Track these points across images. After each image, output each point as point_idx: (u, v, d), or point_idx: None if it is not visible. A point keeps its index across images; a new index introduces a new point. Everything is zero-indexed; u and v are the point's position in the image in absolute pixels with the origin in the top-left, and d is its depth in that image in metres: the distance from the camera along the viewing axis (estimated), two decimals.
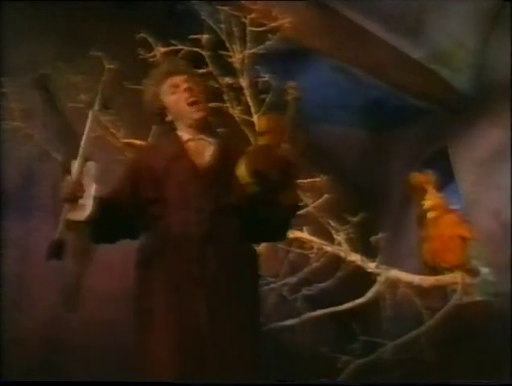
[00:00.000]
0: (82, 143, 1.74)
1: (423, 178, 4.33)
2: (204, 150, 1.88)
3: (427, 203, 4.25)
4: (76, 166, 1.71)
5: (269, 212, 1.76)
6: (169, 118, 1.96)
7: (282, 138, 1.78)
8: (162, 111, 1.96)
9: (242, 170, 1.71)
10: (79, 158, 1.72)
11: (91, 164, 1.75)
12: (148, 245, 1.82)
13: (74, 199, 1.68)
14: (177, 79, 1.93)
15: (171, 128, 1.97)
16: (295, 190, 1.83)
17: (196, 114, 1.89)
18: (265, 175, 1.69)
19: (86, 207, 1.68)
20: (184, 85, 1.91)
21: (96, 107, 1.83)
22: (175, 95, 1.92)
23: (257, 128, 1.89)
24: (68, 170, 1.72)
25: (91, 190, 1.71)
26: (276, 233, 1.95)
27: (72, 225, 1.69)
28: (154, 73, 2.04)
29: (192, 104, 1.89)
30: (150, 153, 2.00)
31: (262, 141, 1.82)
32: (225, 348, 1.64)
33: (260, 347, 1.75)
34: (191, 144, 1.89)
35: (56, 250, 1.62)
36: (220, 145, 1.91)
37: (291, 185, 1.76)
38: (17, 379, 2.71)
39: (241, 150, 1.92)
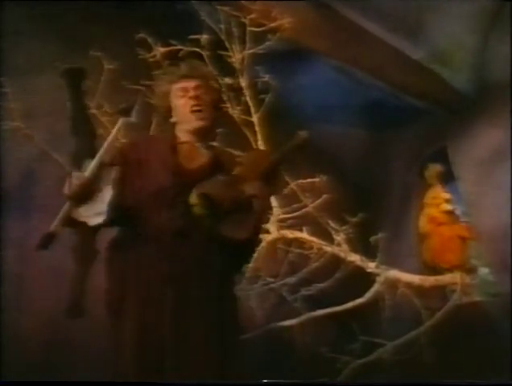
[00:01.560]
0: (104, 145, 1.69)
1: (437, 170, 4.37)
2: (196, 157, 1.87)
3: (443, 195, 4.27)
4: (91, 166, 1.64)
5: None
6: (173, 120, 1.94)
7: (255, 175, 1.78)
8: (168, 111, 1.95)
9: (194, 192, 1.70)
10: (97, 159, 1.65)
11: (114, 169, 1.70)
12: (121, 238, 1.81)
13: (82, 198, 1.62)
14: (188, 83, 1.91)
15: (172, 129, 1.95)
16: (247, 227, 1.74)
17: (196, 123, 1.88)
18: (212, 201, 1.68)
19: (99, 213, 1.62)
20: (192, 92, 1.89)
21: (132, 117, 1.77)
22: (183, 99, 1.90)
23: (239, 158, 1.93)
24: (76, 167, 1.65)
25: (107, 195, 1.65)
26: (235, 263, 1.91)
27: (76, 225, 1.65)
28: (170, 71, 2.03)
29: (194, 111, 1.88)
30: (142, 143, 1.97)
31: (235, 170, 1.82)
32: (187, 349, 1.63)
33: (234, 349, 1.73)
34: (185, 146, 1.89)
35: (45, 241, 1.59)
36: (214, 159, 1.89)
37: (243, 221, 1.73)
38: (17, 379, 2.71)
39: (233, 167, 1.91)
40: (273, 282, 3.59)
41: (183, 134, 1.92)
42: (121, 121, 1.77)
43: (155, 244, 1.72)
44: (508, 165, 4.02)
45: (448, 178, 4.61)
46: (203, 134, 1.91)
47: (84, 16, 3.76)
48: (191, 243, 1.73)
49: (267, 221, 2.03)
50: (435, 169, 4.50)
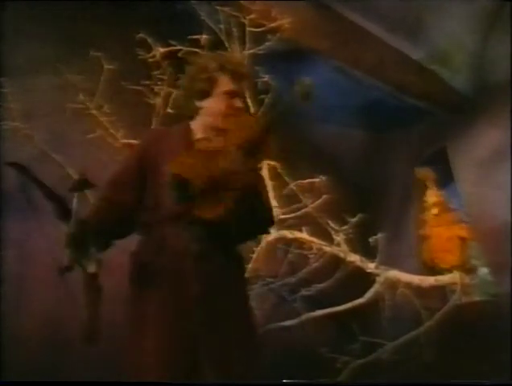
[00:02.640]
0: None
1: (427, 174, 4.35)
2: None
3: (431, 199, 4.27)
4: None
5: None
6: (200, 104, 1.84)
7: (242, 143, 1.64)
8: (201, 93, 1.83)
9: (169, 170, 1.61)
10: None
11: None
12: (142, 254, 1.79)
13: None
14: (240, 88, 1.83)
15: (191, 115, 1.86)
16: (219, 206, 1.63)
17: (225, 124, 1.77)
18: (186, 182, 1.59)
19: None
20: (238, 102, 1.81)
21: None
22: (229, 101, 1.81)
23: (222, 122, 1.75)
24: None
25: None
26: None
27: None
28: (227, 57, 1.94)
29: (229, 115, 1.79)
30: (160, 145, 1.85)
31: (217, 141, 1.69)
32: (211, 363, 1.63)
33: (253, 360, 1.73)
34: (201, 144, 1.80)
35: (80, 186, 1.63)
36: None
37: (217, 198, 1.62)
38: (17, 379, 2.71)
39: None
40: (272, 282, 3.58)
41: (199, 128, 1.85)
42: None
43: (174, 263, 1.70)
44: (508, 165, 4.02)
45: (443, 180, 4.60)
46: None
47: (84, 16, 3.76)
48: (206, 260, 1.70)
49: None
50: (423, 173, 4.46)
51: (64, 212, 1.65)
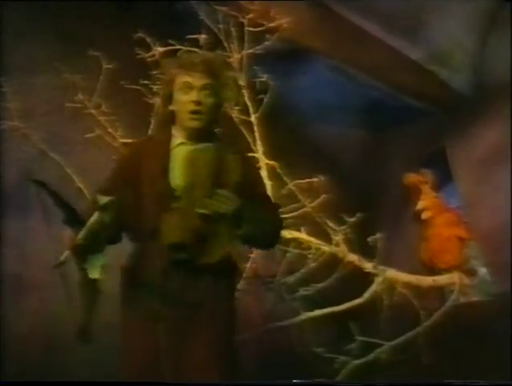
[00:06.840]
0: None
1: (417, 178, 4.35)
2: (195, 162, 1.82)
3: (421, 203, 4.28)
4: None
5: None
6: (172, 107, 1.85)
7: (202, 194, 1.69)
8: (168, 99, 1.86)
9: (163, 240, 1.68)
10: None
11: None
12: (129, 267, 1.81)
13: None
14: (195, 81, 1.80)
15: (170, 119, 1.88)
16: (214, 248, 1.70)
17: (192, 122, 1.80)
18: (182, 244, 1.67)
19: None
20: (195, 95, 1.79)
21: None
22: (185, 96, 1.80)
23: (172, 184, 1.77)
24: None
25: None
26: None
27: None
28: (184, 58, 1.94)
29: (193, 112, 1.79)
30: (141, 157, 1.85)
31: (178, 202, 1.72)
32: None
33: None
34: (180, 149, 1.82)
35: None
36: (214, 164, 1.81)
37: (214, 243, 1.69)
38: (17, 379, 2.71)
39: (230, 163, 1.84)
40: (271, 282, 3.58)
41: (179, 132, 1.86)
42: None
43: (146, 279, 1.72)
44: (507, 165, 4.02)
45: (442, 180, 4.60)
46: (197, 135, 1.83)
47: (82, 15, 3.77)
48: (179, 277, 1.70)
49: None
50: (408, 179, 4.44)
51: (75, 221, 1.66)
